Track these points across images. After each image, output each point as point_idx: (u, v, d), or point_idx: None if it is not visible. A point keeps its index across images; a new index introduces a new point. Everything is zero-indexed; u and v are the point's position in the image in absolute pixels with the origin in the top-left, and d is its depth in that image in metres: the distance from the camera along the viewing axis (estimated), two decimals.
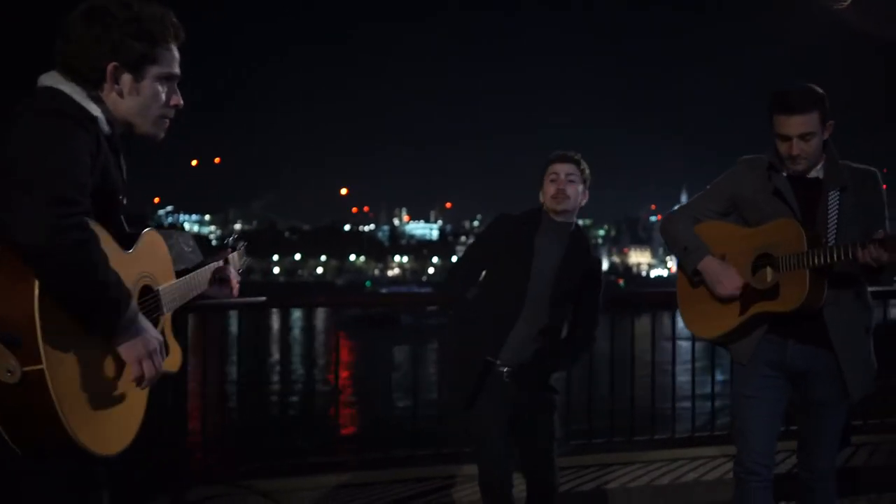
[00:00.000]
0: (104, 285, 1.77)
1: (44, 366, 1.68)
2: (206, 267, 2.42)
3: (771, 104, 3.11)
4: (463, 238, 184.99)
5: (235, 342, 5.27)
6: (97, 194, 1.86)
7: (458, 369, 3.61)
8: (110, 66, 1.97)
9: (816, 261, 2.96)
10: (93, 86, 1.97)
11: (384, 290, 60.18)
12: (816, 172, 3.17)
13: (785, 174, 3.18)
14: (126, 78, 2.00)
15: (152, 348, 1.89)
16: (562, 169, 3.62)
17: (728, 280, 3.18)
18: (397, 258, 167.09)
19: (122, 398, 1.91)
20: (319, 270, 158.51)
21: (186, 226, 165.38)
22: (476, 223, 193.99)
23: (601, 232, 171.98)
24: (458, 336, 3.68)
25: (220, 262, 2.49)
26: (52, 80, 1.96)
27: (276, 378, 17.30)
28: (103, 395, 1.84)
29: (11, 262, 1.71)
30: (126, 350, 1.86)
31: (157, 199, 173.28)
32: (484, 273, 3.70)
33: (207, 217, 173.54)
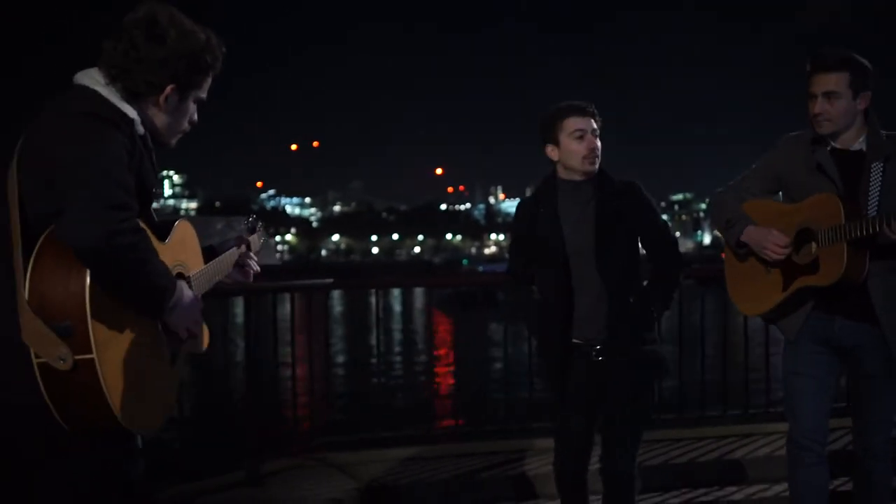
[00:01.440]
0: (155, 280, 1.93)
1: (94, 355, 1.82)
2: (229, 252, 2.52)
3: (808, 66, 3.11)
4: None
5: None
6: (135, 191, 2.00)
7: (542, 357, 3.55)
8: (169, 88, 2.09)
9: (854, 233, 2.91)
10: (138, 96, 2.08)
11: (480, 269, 60.32)
12: (859, 144, 3.11)
13: (828, 148, 3.12)
14: (174, 98, 2.13)
15: (192, 318, 2.10)
16: (587, 124, 3.26)
17: (772, 242, 3.14)
18: (493, 236, 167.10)
19: (160, 377, 2.07)
20: (417, 250, 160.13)
21: (288, 208, 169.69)
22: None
23: (702, 206, 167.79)
24: (535, 327, 3.49)
25: (242, 248, 2.59)
26: (90, 79, 2.05)
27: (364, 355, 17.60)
28: (144, 377, 1.99)
29: (61, 254, 1.85)
30: (174, 322, 2.06)
31: (259, 184, 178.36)
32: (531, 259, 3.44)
33: (308, 200, 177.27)
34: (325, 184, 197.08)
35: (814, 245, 3.07)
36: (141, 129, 2.07)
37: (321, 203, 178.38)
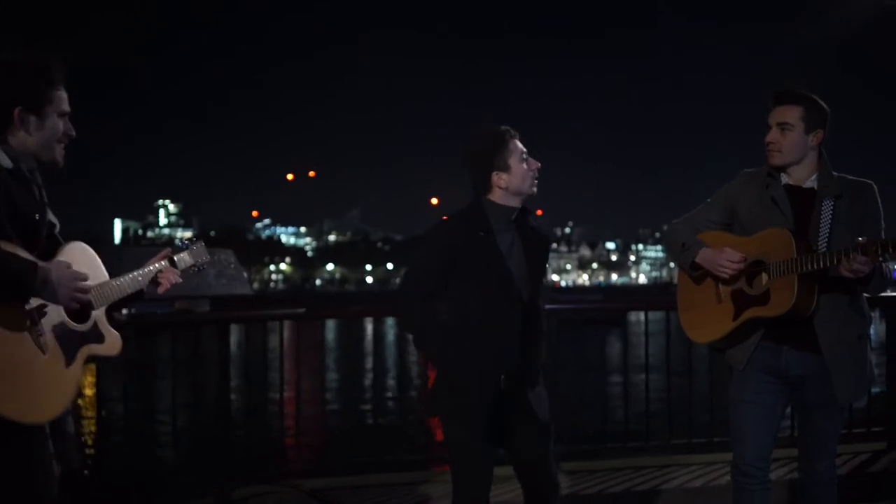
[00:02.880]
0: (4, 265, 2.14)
1: None
2: (144, 269, 2.68)
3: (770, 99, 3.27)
4: (554, 245, 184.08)
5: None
6: (11, 222, 2.24)
7: (463, 393, 3.16)
8: (16, 111, 2.32)
9: (805, 267, 3.02)
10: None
11: None
12: (811, 182, 3.24)
13: (783, 183, 3.25)
14: (30, 118, 2.36)
15: (73, 288, 2.30)
16: (521, 145, 3.25)
17: (726, 258, 3.22)
18: None
19: (47, 372, 2.26)
20: None
21: (283, 238, 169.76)
22: (568, 230, 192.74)
23: None
24: (450, 352, 3.18)
25: (160, 265, 2.73)
26: None
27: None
28: (19, 369, 2.19)
29: None
30: (54, 299, 2.25)
31: (255, 213, 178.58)
32: (452, 290, 3.20)
33: (303, 229, 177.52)
34: (321, 213, 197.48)
35: (765, 276, 3.17)
36: (7, 163, 2.30)
37: (316, 232, 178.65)
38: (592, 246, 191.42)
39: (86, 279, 2.35)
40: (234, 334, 5.18)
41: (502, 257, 3.20)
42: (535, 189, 3.27)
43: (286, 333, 4.92)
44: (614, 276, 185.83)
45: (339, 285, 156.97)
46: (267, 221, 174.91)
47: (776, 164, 3.23)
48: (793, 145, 3.19)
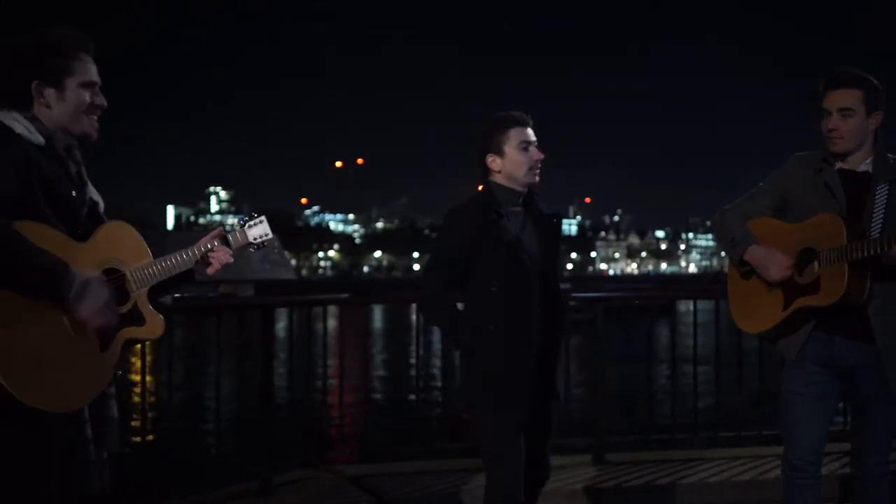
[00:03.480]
0: (28, 265, 2.07)
1: None
2: (194, 247, 2.57)
3: (821, 84, 3.14)
4: (602, 233, 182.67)
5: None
6: (46, 199, 2.18)
7: (497, 380, 3.16)
8: (34, 85, 2.26)
9: (855, 254, 2.92)
10: (16, 106, 2.26)
11: None
12: (866, 166, 3.12)
13: (836, 167, 3.13)
14: (49, 91, 2.28)
15: (100, 306, 2.18)
16: (531, 134, 3.26)
17: (775, 263, 3.14)
18: None
19: (77, 362, 2.20)
20: None
21: (332, 225, 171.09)
22: (616, 218, 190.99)
23: None
24: (478, 339, 3.18)
25: (211, 244, 2.60)
26: None
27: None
28: (47, 358, 2.14)
29: None
30: (81, 312, 2.16)
31: (304, 200, 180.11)
32: (473, 271, 3.20)
33: (351, 216, 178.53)
34: (369, 201, 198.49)
35: (816, 265, 3.07)
36: (39, 139, 2.24)
37: (364, 220, 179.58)
38: (641, 234, 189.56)
39: (110, 307, 2.23)
40: (281, 320, 5.20)
41: (517, 237, 3.21)
42: (534, 179, 3.27)
43: (332, 321, 4.92)
44: (663, 265, 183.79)
45: (387, 272, 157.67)
46: (316, 209, 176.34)
47: (838, 150, 3.10)
48: (855, 131, 3.06)
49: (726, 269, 3.50)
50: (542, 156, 3.26)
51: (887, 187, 3.05)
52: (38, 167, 2.19)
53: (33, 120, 2.27)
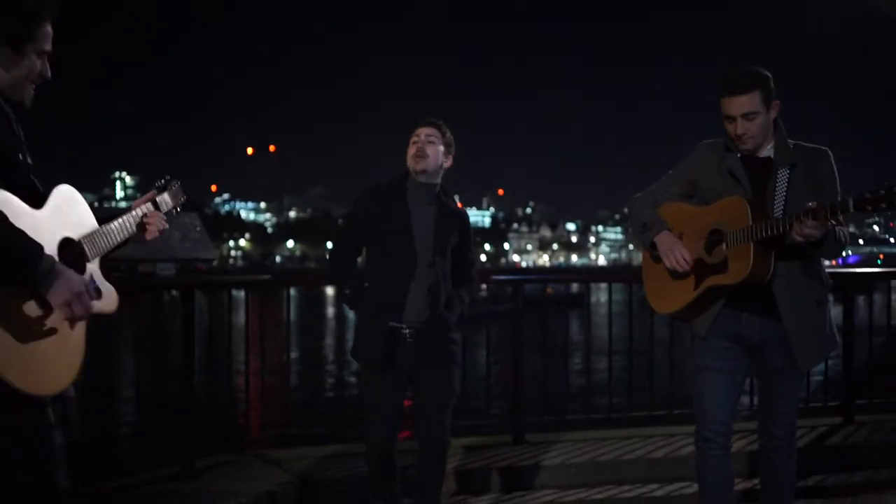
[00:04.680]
0: (6, 242, 1.91)
1: None
2: (131, 213, 2.48)
3: (717, 88, 3.25)
4: (515, 225, 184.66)
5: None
6: None
7: (367, 338, 3.75)
8: None
9: (759, 234, 3.09)
10: None
11: None
12: (767, 151, 3.30)
13: (739, 155, 3.29)
14: (6, 54, 2.11)
15: (77, 290, 2.04)
16: (423, 131, 3.81)
17: (675, 253, 3.31)
18: None
19: (53, 341, 2.06)
20: None
21: (243, 213, 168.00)
22: (529, 210, 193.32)
23: None
24: (360, 307, 3.82)
25: (146, 207, 2.53)
26: None
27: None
28: (28, 339, 2.00)
29: None
30: (53, 296, 2.01)
31: (214, 188, 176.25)
32: (366, 248, 3.87)
33: (263, 205, 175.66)
34: (280, 190, 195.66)
35: (724, 245, 3.23)
36: None
37: (276, 209, 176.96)
38: (553, 227, 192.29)
39: (92, 295, 2.10)
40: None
41: (407, 215, 3.73)
42: (417, 167, 3.77)
43: (244, 306, 4.88)
44: (574, 258, 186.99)
45: (300, 262, 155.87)
46: (226, 196, 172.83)
47: (750, 148, 3.26)
48: (762, 128, 3.23)
49: (635, 262, 3.66)
50: (421, 146, 3.75)
51: (788, 171, 3.23)
52: None
53: None
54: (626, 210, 3.66)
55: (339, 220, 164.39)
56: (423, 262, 3.71)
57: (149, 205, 2.54)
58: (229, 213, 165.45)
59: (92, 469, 4.28)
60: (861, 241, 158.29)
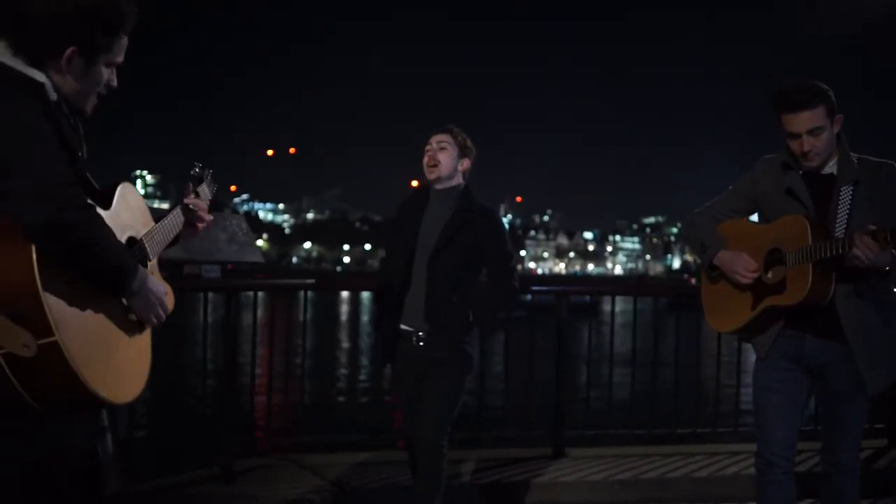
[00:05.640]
0: (112, 255, 1.90)
1: (57, 337, 1.76)
2: (178, 208, 2.45)
3: (775, 103, 3.13)
4: (532, 232, 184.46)
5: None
6: (70, 160, 1.95)
7: (376, 338, 3.85)
8: (69, 50, 2.00)
9: (819, 254, 2.99)
10: (39, 60, 1.98)
11: None
12: (830, 168, 3.18)
13: (800, 172, 3.19)
14: (79, 61, 2.03)
15: (159, 301, 2.07)
16: (434, 138, 3.77)
17: (742, 267, 3.22)
18: None
19: (130, 348, 2.05)
20: None
21: (261, 214, 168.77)
22: (546, 217, 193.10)
23: (674, 230, 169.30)
24: (376, 308, 3.92)
25: (192, 198, 2.50)
26: None
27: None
28: (114, 348, 1.98)
29: (3, 244, 1.78)
30: (141, 307, 2.03)
31: (233, 188, 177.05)
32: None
33: (281, 206, 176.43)
34: (299, 191, 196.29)
35: (783, 265, 3.14)
36: (53, 95, 1.98)
37: (295, 210, 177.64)
38: (570, 235, 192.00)
39: (167, 300, 2.12)
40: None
41: (417, 221, 3.73)
42: (430, 176, 3.73)
43: (260, 310, 4.83)
44: (591, 266, 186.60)
45: (316, 263, 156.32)
46: (245, 197, 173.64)
47: (816, 165, 3.15)
48: (828, 144, 3.11)
49: (651, 272, 3.60)
50: (432, 154, 3.71)
51: (851, 188, 3.11)
52: (58, 122, 1.95)
53: (45, 71, 1.99)
54: (682, 224, 3.56)
55: (356, 223, 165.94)
56: (422, 263, 3.64)
57: (191, 197, 2.50)
58: (248, 213, 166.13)
59: (132, 468, 4.26)
60: None
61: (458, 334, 3.61)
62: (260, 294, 5.18)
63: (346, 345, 19.99)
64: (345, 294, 43.33)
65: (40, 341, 1.76)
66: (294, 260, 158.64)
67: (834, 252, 2.95)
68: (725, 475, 4.77)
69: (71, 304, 1.85)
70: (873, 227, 2.83)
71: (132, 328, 2.07)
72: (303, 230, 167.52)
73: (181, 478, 4.36)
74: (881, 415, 5.60)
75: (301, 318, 5.09)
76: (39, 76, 1.97)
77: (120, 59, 2.12)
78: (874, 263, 2.88)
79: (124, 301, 2.02)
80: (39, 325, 1.76)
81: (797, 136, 3.09)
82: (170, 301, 2.20)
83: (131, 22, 2.10)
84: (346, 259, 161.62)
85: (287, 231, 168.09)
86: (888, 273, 2.96)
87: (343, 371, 14.38)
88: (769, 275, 3.18)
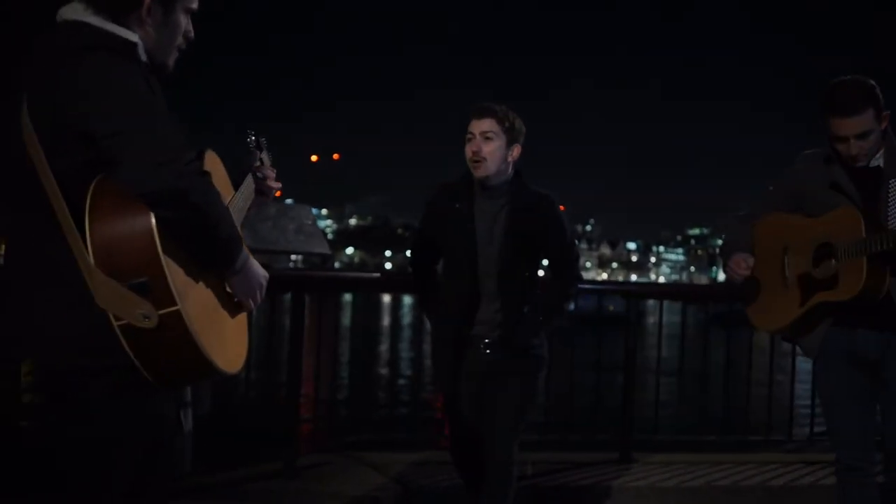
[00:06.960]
0: (226, 226, 1.85)
1: (179, 306, 1.73)
2: (249, 176, 2.37)
3: (822, 106, 3.01)
4: (575, 242, 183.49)
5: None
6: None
7: (437, 348, 3.50)
8: (147, 1, 1.92)
9: (873, 248, 2.88)
10: (123, 19, 1.90)
11: None
12: (877, 160, 3.07)
13: (844, 165, 3.07)
14: (158, 10, 1.95)
15: (259, 284, 2.04)
16: (477, 126, 3.27)
17: (733, 262, 3.22)
18: None
19: (235, 319, 2.03)
20: None
21: None
22: (589, 227, 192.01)
23: (719, 241, 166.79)
24: (433, 315, 3.59)
25: (259, 166, 2.45)
26: (75, 13, 1.89)
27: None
28: (224, 319, 1.97)
29: (117, 207, 1.74)
30: (240, 287, 1.99)
31: (278, 193, 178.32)
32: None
33: (325, 211, 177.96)
34: (343, 196, 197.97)
35: (833, 260, 3.03)
36: (143, 55, 1.91)
37: (338, 216, 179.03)
38: (613, 245, 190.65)
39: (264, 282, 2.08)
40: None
41: (471, 223, 3.30)
42: (477, 171, 3.26)
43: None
44: (633, 277, 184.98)
45: (358, 269, 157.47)
46: (289, 202, 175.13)
47: (864, 163, 3.03)
48: (875, 143, 3.01)
49: (695, 282, 3.49)
50: (476, 149, 3.23)
51: None
52: (149, 84, 1.88)
53: (133, 30, 1.91)
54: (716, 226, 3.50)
55: (398, 230, 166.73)
56: (487, 276, 3.30)
57: (256, 165, 2.45)
58: None
59: (202, 459, 4.25)
60: None
61: (530, 342, 3.37)
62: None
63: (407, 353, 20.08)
64: (386, 299, 43.39)
65: (161, 311, 1.73)
66: (336, 265, 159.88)
67: (891, 244, 2.84)
68: (802, 484, 4.62)
69: (190, 274, 1.83)
70: None
71: (232, 308, 2.03)
72: (345, 235, 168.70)
73: (243, 472, 4.32)
74: None
75: (347, 321, 5.05)
76: (132, 36, 1.90)
77: (195, 4, 2.04)
78: None
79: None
80: (161, 294, 1.73)
81: (845, 139, 2.99)
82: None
83: None
84: (388, 265, 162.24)
85: (330, 236, 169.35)
86: None
87: (405, 371, 14.28)
88: (818, 269, 3.06)
